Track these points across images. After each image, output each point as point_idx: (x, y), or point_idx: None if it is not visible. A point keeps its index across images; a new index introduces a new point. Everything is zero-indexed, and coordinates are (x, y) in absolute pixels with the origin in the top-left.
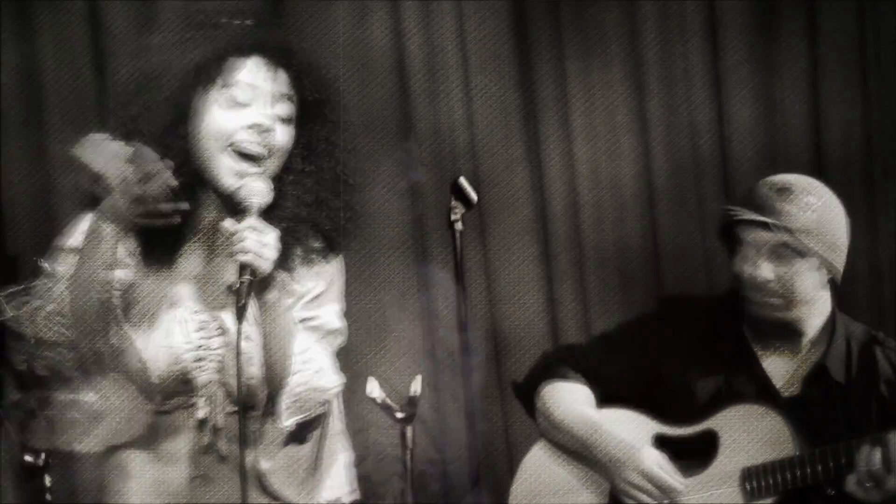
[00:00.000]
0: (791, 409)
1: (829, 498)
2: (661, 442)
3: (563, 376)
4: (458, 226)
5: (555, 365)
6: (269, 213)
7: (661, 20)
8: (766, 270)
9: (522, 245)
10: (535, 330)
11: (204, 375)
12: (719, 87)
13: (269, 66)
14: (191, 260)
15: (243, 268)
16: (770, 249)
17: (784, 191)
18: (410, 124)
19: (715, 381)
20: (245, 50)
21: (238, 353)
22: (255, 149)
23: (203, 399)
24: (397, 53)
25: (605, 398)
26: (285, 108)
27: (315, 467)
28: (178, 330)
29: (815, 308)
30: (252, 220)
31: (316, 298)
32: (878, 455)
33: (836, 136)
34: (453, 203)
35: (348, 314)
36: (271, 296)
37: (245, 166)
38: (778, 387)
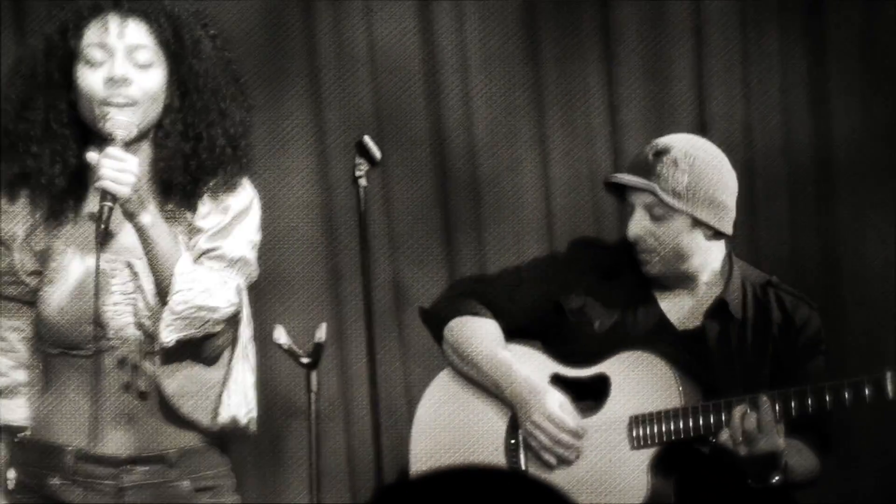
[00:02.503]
0: (687, 342)
1: (705, 454)
2: (558, 382)
3: (473, 312)
4: (363, 182)
5: (464, 297)
6: (159, 151)
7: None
8: (640, 229)
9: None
10: None
11: (120, 319)
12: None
13: (117, 22)
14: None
15: (103, 195)
16: (644, 209)
17: (661, 153)
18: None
19: (613, 317)
20: (92, 11)
21: (97, 276)
22: (117, 100)
23: (120, 341)
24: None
25: (510, 332)
26: (143, 56)
27: (223, 390)
28: (91, 278)
29: (705, 258)
30: (110, 149)
31: (220, 231)
32: (753, 416)
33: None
34: (358, 160)
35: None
36: (146, 220)
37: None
38: (675, 322)
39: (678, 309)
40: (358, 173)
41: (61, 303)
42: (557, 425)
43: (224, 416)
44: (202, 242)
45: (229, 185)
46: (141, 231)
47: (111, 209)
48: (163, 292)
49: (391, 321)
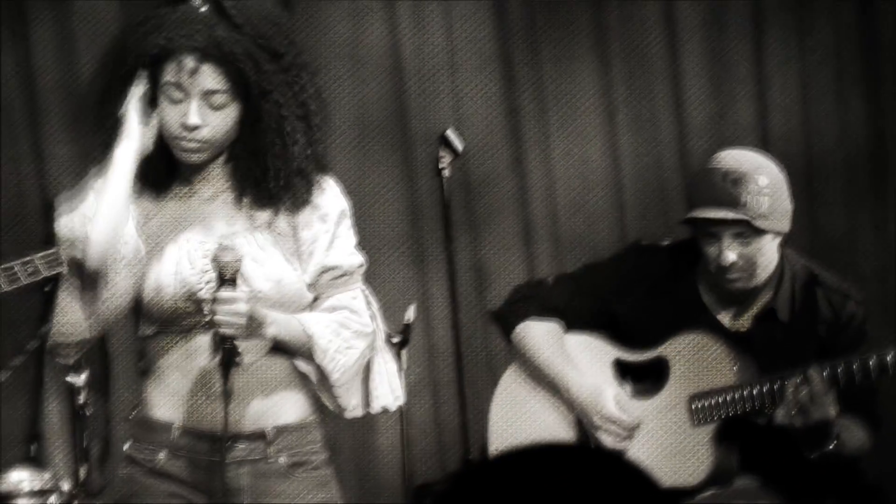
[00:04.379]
0: (737, 343)
1: (761, 427)
2: (619, 366)
3: (534, 315)
4: (446, 173)
5: (525, 302)
6: (232, 171)
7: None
8: (730, 255)
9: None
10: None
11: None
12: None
13: (192, 65)
14: (187, 193)
15: (222, 339)
16: (731, 236)
17: (738, 181)
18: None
19: (665, 321)
20: (169, 48)
21: (225, 392)
22: (189, 145)
23: (216, 335)
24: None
25: (570, 329)
26: (217, 99)
27: (367, 378)
28: (185, 258)
29: (771, 262)
30: (220, 294)
31: (329, 245)
32: (805, 389)
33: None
34: (441, 152)
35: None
36: (270, 333)
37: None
38: (726, 324)
39: (728, 312)
40: (441, 165)
41: (158, 282)
42: (615, 424)
43: (375, 406)
44: (318, 258)
45: (313, 191)
46: (271, 342)
47: (234, 351)
48: (320, 368)
49: (474, 303)
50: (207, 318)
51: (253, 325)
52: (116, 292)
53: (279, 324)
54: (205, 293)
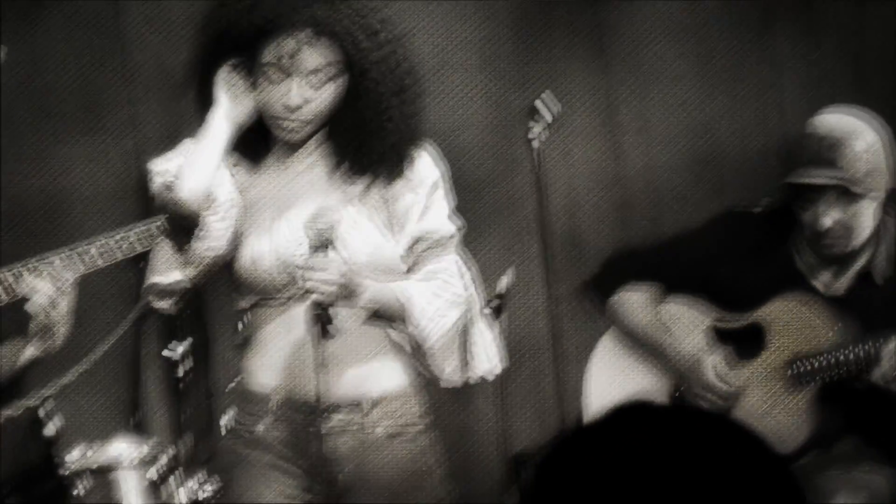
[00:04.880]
0: (834, 307)
1: (860, 390)
2: (716, 333)
3: (629, 283)
4: (535, 143)
5: (620, 270)
6: (329, 144)
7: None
8: (827, 221)
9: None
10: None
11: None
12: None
13: (294, 46)
14: (282, 166)
15: (315, 305)
16: (827, 201)
17: (833, 145)
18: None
19: (759, 287)
20: (271, 31)
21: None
22: (291, 125)
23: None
24: None
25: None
26: (318, 79)
27: (464, 344)
28: (281, 231)
29: (869, 225)
30: (312, 261)
31: (422, 214)
32: None
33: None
34: (530, 123)
35: None
36: (364, 301)
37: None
38: (821, 289)
39: (823, 277)
40: (531, 136)
41: (254, 255)
42: (714, 392)
43: (473, 375)
44: (410, 228)
45: (407, 161)
46: (366, 309)
47: (327, 319)
48: (415, 340)
49: (568, 272)
50: (303, 289)
51: (346, 292)
52: (212, 234)
53: (373, 291)
54: (300, 264)
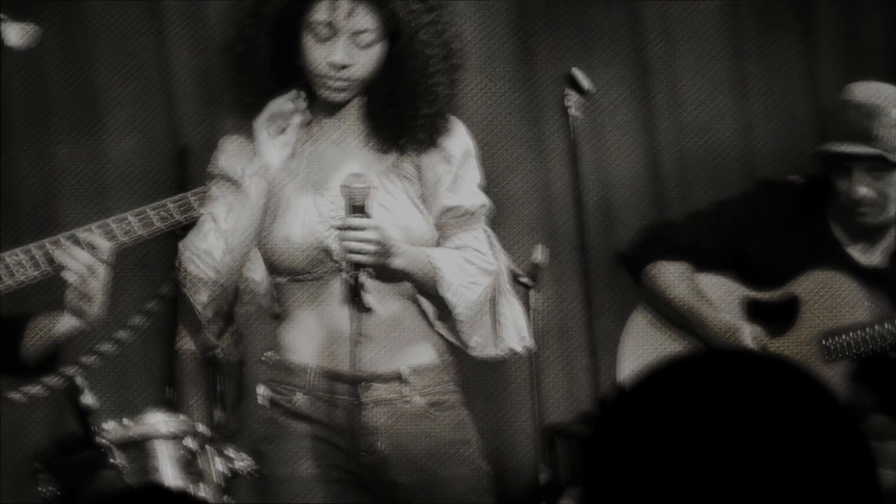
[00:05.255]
0: (869, 279)
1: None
2: (750, 305)
3: (663, 255)
4: (572, 111)
5: (655, 242)
6: (369, 108)
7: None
8: (862, 189)
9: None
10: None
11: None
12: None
13: (346, 5)
14: (315, 135)
15: (353, 265)
16: (863, 170)
17: (870, 114)
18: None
19: (795, 258)
20: None
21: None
22: (336, 84)
23: (345, 263)
24: None
25: (700, 267)
26: (365, 38)
27: (493, 315)
28: (313, 207)
29: None
30: (351, 220)
31: (452, 184)
32: None
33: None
34: (567, 91)
35: None
36: (398, 264)
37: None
38: (857, 259)
39: (859, 247)
40: (567, 103)
41: (286, 232)
42: None
43: (502, 347)
44: (441, 199)
45: (441, 131)
46: (398, 273)
47: (358, 279)
48: (444, 307)
49: (602, 245)
50: (339, 258)
51: (383, 252)
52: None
53: (407, 255)
54: (332, 240)
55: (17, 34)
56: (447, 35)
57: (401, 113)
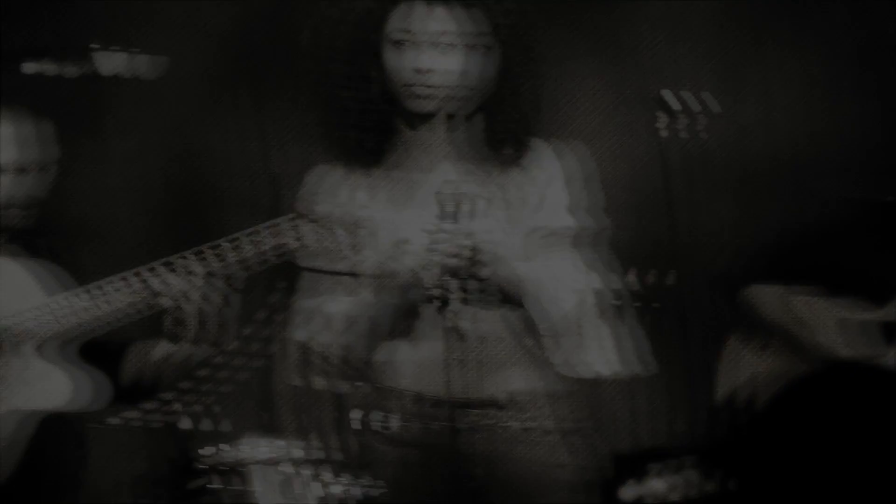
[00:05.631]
0: None
1: None
2: (847, 325)
3: (758, 275)
4: (662, 133)
5: (748, 263)
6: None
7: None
8: None
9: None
10: None
11: (435, 270)
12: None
13: (423, 9)
14: (404, 161)
15: (449, 272)
16: None
17: None
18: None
19: (890, 276)
20: None
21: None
22: (420, 91)
23: (437, 290)
24: None
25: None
26: (446, 41)
27: (579, 335)
28: (404, 235)
29: None
30: (445, 225)
31: (537, 205)
32: None
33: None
34: (658, 112)
35: None
36: (486, 271)
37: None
38: None
39: None
40: (658, 125)
41: (378, 262)
42: None
43: (588, 370)
44: (527, 219)
45: (526, 151)
46: (488, 281)
47: (448, 302)
48: (530, 320)
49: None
50: (430, 289)
51: (473, 260)
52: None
53: (496, 266)
54: (429, 229)
55: (145, 66)
56: (531, 39)
57: (510, 123)
